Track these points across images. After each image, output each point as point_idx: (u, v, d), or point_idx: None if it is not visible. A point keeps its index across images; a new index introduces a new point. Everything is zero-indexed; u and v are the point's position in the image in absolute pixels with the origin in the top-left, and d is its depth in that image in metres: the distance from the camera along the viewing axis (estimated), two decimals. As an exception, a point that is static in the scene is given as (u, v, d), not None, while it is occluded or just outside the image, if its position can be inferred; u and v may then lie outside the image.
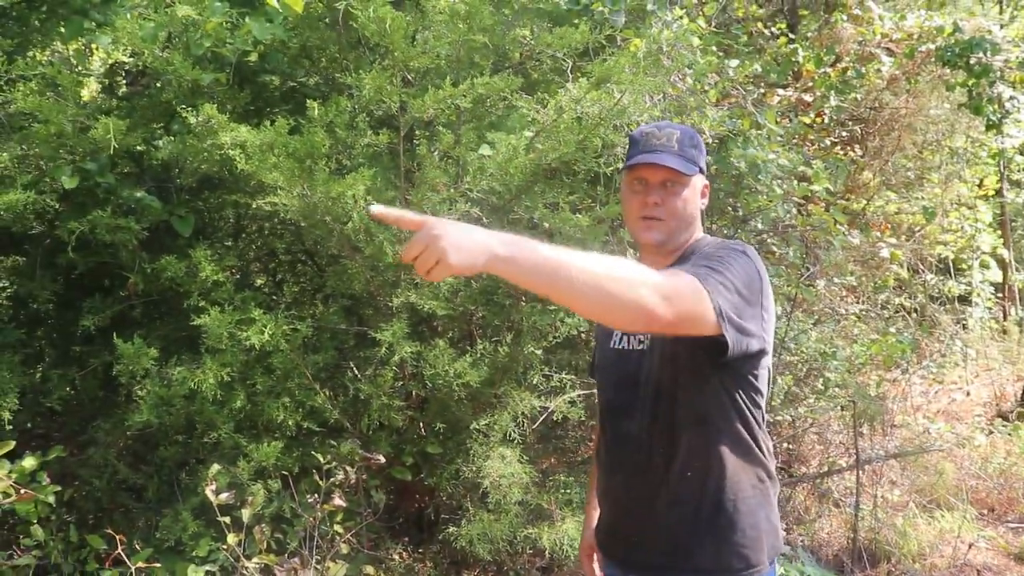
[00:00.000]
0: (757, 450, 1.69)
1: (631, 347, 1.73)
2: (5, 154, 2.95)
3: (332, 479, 2.96)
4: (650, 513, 1.68)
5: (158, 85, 3.42)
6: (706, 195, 1.78)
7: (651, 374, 1.67)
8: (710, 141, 3.55)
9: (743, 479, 1.66)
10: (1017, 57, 5.02)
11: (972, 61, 4.95)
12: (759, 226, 4.10)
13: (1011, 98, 5.08)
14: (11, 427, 2.85)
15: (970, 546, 4.08)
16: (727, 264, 1.53)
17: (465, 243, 1.22)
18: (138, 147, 3.16)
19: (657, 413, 1.65)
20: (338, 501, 2.85)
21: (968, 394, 6.70)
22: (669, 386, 1.65)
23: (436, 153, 3.19)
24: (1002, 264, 8.25)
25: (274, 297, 3.87)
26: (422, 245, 1.22)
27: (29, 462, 2.74)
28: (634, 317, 1.34)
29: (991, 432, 5.55)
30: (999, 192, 8.07)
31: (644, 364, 1.69)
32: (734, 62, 3.97)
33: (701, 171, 1.71)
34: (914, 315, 6.47)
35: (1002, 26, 5.54)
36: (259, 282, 4.06)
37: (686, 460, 1.64)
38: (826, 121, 5.41)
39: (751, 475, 1.67)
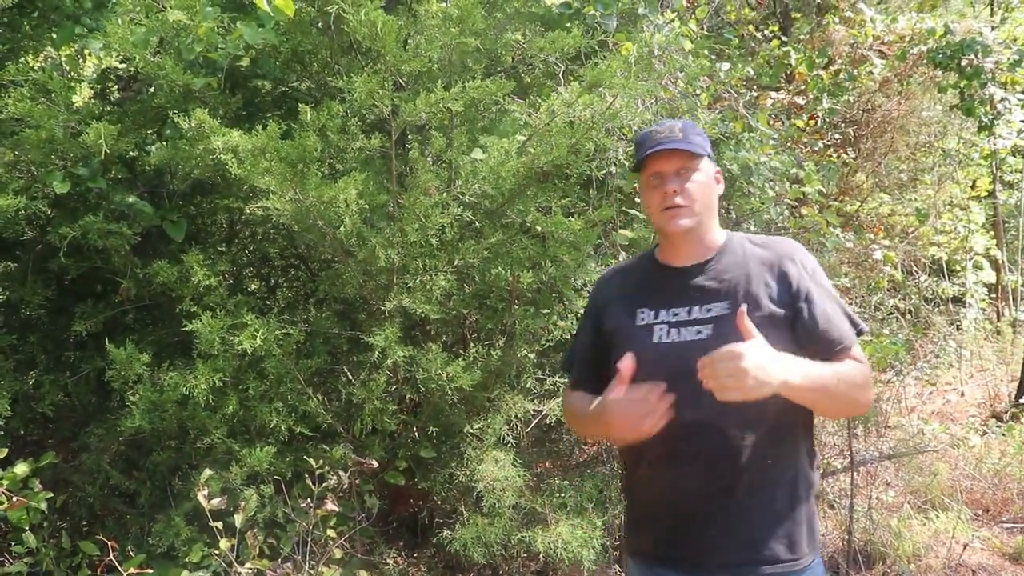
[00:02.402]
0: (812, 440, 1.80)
1: (685, 339, 1.70)
2: (-5, 160, 2.95)
3: (325, 484, 2.94)
4: (729, 502, 1.67)
5: (150, 90, 3.42)
6: (720, 181, 1.83)
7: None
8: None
9: (809, 467, 1.75)
10: (1008, 59, 5.04)
11: (963, 63, 4.97)
12: (752, 228, 4.11)
13: (1002, 99, 5.09)
14: (3, 433, 2.85)
15: (965, 547, 4.09)
16: (831, 291, 1.76)
17: (762, 375, 1.47)
18: (130, 152, 3.16)
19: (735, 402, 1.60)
20: (331, 506, 2.84)
21: (962, 395, 6.72)
22: None
23: (429, 157, 3.19)
24: (995, 265, 8.28)
25: (267, 302, 3.87)
26: (726, 368, 1.46)
27: (21, 468, 2.73)
28: (858, 413, 1.78)
29: (985, 433, 5.57)
30: (992, 193, 8.10)
31: (705, 353, 1.60)
32: (726, 65, 3.98)
33: (710, 157, 1.77)
34: (908, 316, 6.48)
35: (993, 28, 5.56)
36: (252, 287, 4.06)
37: (767, 448, 1.67)
38: (819, 123, 5.43)
39: (812, 464, 1.76)
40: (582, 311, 1.98)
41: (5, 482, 2.64)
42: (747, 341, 1.52)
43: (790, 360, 1.55)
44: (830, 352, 1.70)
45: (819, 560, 1.75)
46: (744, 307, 1.59)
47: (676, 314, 1.73)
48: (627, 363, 1.66)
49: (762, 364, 1.48)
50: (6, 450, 2.67)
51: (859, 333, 1.75)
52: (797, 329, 1.70)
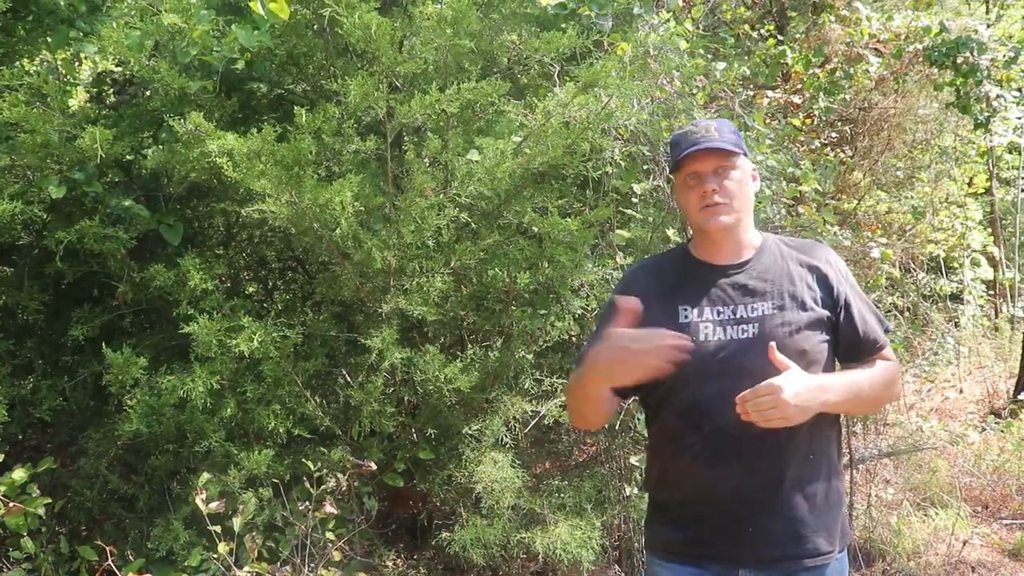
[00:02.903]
0: None
1: (732, 337, 1.70)
2: (-9, 165, 2.95)
3: (324, 486, 2.94)
4: (775, 500, 1.68)
5: (146, 94, 3.42)
6: (756, 178, 1.83)
7: (766, 363, 1.64)
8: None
9: (838, 459, 1.80)
10: (1004, 56, 5.04)
11: (959, 60, 4.98)
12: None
13: (998, 96, 5.10)
14: (0, 439, 2.84)
15: (964, 543, 4.09)
16: (861, 293, 1.82)
17: (803, 403, 1.56)
18: (127, 156, 3.15)
19: None
20: (330, 508, 2.84)
21: (961, 392, 6.73)
22: None
23: (425, 159, 3.19)
24: (993, 262, 8.28)
25: (265, 305, 3.87)
26: (767, 402, 1.53)
27: (19, 474, 2.73)
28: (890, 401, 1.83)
29: (984, 429, 5.57)
30: (989, 190, 8.11)
31: (752, 352, 1.67)
32: (721, 65, 3.98)
33: (745, 154, 1.77)
34: (906, 314, 6.49)
35: (988, 25, 5.57)
36: (250, 290, 4.05)
37: (808, 446, 1.69)
38: (816, 122, 5.44)
39: (840, 455, 1.81)
40: (599, 309, 1.94)
41: (3, 488, 2.63)
42: (782, 372, 1.58)
43: (824, 379, 1.66)
44: (868, 353, 1.78)
45: (846, 549, 1.80)
46: (774, 344, 1.62)
47: (721, 312, 1.73)
48: (632, 302, 1.64)
49: (801, 392, 1.56)
50: (2, 455, 2.66)
51: (886, 331, 1.82)
52: (839, 332, 1.76)
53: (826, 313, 1.74)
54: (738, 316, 1.72)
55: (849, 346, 1.77)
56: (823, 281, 1.77)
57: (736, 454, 1.67)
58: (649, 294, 1.77)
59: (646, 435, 1.93)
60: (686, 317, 1.74)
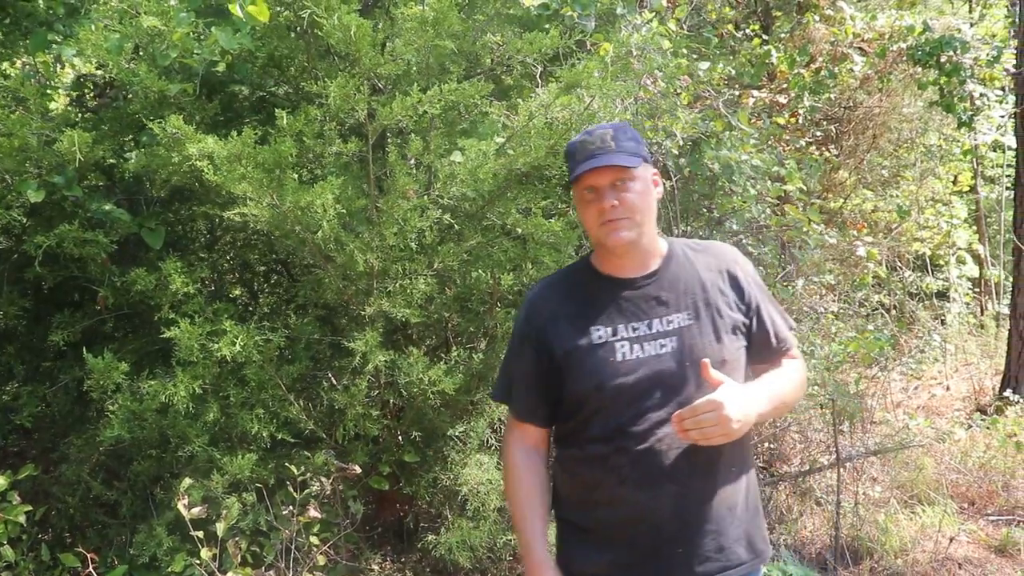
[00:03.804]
0: None
1: (650, 353, 1.66)
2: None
3: (308, 490, 2.93)
4: (705, 517, 1.67)
5: (128, 97, 3.39)
6: (658, 184, 1.76)
7: (690, 375, 1.64)
8: (681, 143, 3.56)
9: (753, 468, 1.80)
10: (987, 55, 5.08)
11: (943, 59, 5.01)
12: (734, 227, 4.12)
13: (982, 95, 5.14)
14: (-20, 446, 2.82)
15: (951, 540, 4.10)
16: (768, 294, 1.83)
17: (743, 416, 1.53)
18: (108, 160, 3.13)
19: None
20: (314, 512, 2.82)
21: (947, 389, 6.75)
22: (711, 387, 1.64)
23: (412, 160, 3.18)
24: (978, 259, 8.33)
25: (250, 308, 3.84)
26: (709, 419, 1.50)
27: (-1, 481, 2.70)
28: None
29: (970, 426, 5.59)
30: (973, 188, 8.15)
31: (674, 366, 1.65)
32: (704, 64, 3.99)
33: (646, 160, 1.70)
34: (893, 312, 6.52)
35: (971, 24, 5.61)
36: (235, 293, 4.03)
37: (730, 457, 1.68)
38: (801, 121, 5.45)
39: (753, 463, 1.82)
40: (516, 334, 1.81)
41: (-18, 495, 2.61)
42: (718, 388, 1.55)
43: (755, 390, 1.65)
44: (778, 354, 1.79)
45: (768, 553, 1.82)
46: (707, 360, 1.59)
47: (636, 328, 1.67)
48: None
49: (741, 406, 1.53)
50: (-18, 463, 2.64)
51: (791, 329, 1.84)
52: (751, 336, 1.75)
53: (741, 318, 1.73)
54: (654, 330, 1.67)
55: (760, 349, 1.77)
56: (735, 284, 1.75)
57: (667, 475, 1.63)
58: (558, 317, 1.72)
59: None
60: (600, 338, 1.67)
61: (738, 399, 1.54)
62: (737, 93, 4.99)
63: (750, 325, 1.74)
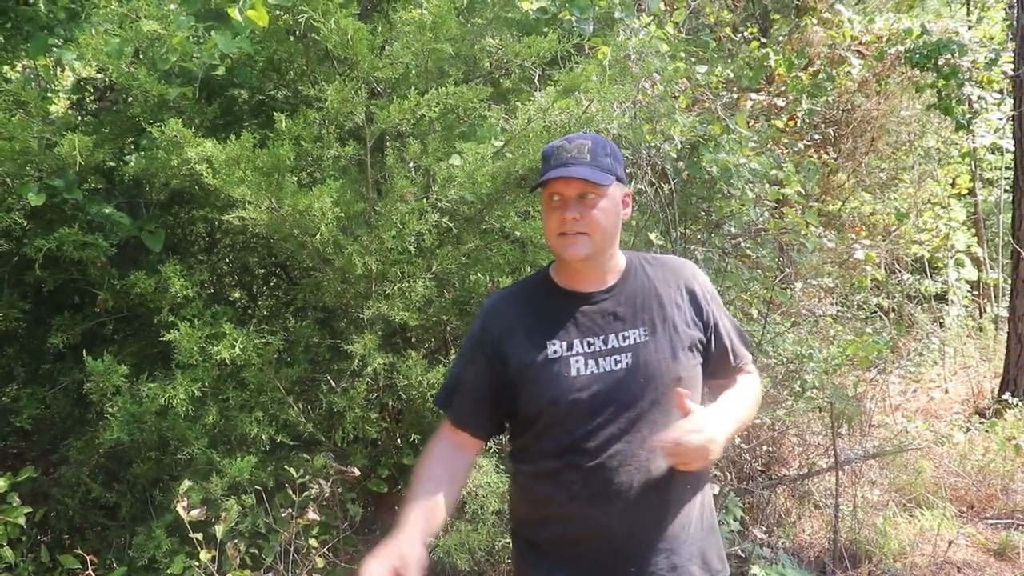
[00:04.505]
0: None
1: (605, 368, 1.64)
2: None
3: (307, 493, 2.93)
4: (657, 535, 1.64)
5: (128, 100, 3.41)
6: (628, 204, 1.74)
7: (645, 392, 1.63)
8: (680, 146, 3.57)
9: (708, 485, 1.78)
10: (985, 57, 5.09)
11: (941, 62, 5.02)
12: (732, 230, 4.13)
13: (980, 98, 5.15)
14: (-20, 448, 2.83)
15: (950, 543, 4.11)
16: (724, 308, 1.83)
17: (719, 439, 1.54)
18: (108, 163, 3.14)
19: (657, 431, 1.59)
20: (313, 515, 2.83)
21: (946, 392, 6.76)
22: (666, 404, 1.64)
23: (409, 164, 3.19)
24: (977, 262, 8.34)
25: (249, 311, 3.86)
26: (692, 445, 1.49)
27: (-1, 483, 2.71)
28: None
29: (969, 429, 5.59)
30: (972, 191, 8.16)
31: (628, 382, 1.63)
32: (702, 68, 4.00)
33: (620, 180, 1.67)
34: (891, 314, 6.53)
35: (969, 27, 5.62)
36: (234, 296, 4.05)
37: (684, 474, 1.64)
38: (799, 124, 5.47)
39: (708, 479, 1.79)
40: (469, 342, 1.78)
41: (-19, 497, 2.62)
42: (690, 415, 1.54)
43: (720, 410, 1.66)
44: (735, 371, 1.80)
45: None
46: (681, 390, 1.59)
47: (591, 344, 1.65)
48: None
49: (715, 429, 1.54)
50: (-18, 466, 2.65)
51: (746, 344, 1.84)
52: (708, 352, 1.75)
53: (699, 335, 1.72)
54: (609, 346, 1.65)
55: (717, 366, 1.77)
56: (693, 300, 1.74)
57: (619, 492, 1.61)
58: (515, 329, 1.69)
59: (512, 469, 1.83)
60: (555, 352, 1.65)
61: (716, 424, 1.55)
62: (735, 96, 5.01)
63: (707, 342, 1.74)
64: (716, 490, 3.51)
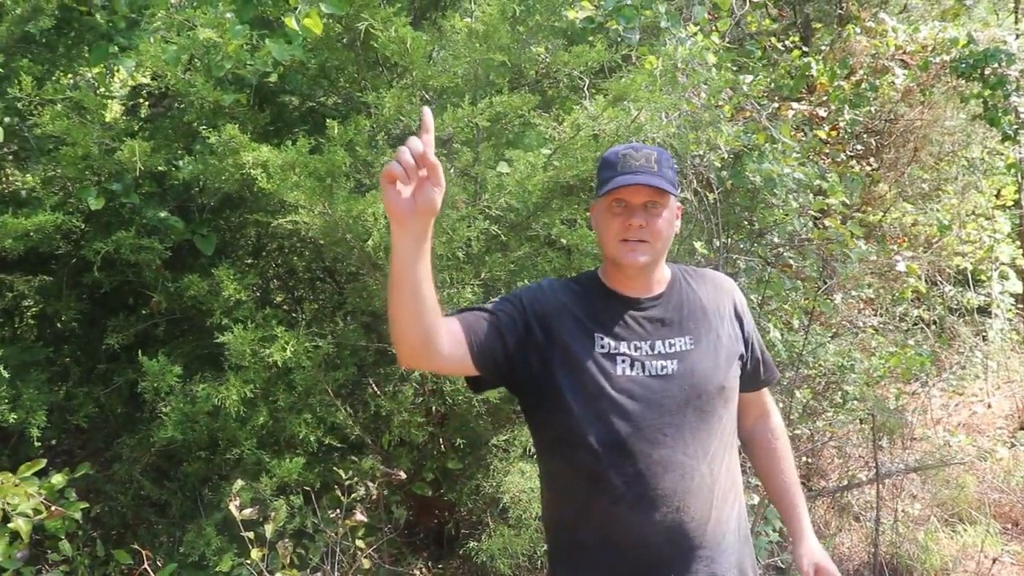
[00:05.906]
0: None
1: (650, 372, 1.66)
2: (31, 176, 3.01)
3: (353, 495, 2.98)
4: (699, 542, 1.65)
5: (181, 106, 3.48)
6: (679, 216, 1.79)
7: (689, 399, 1.65)
8: (725, 156, 3.57)
9: (744, 497, 1.82)
10: (1033, 67, 5.01)
11: (987, 72, 4.95)
12: (775, 240, 4.11)
13: (1027, 109, 5.06)
14: (39, 443, 2.90)
15: (994, 561, 4.04)
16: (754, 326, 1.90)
17: None
18: (160, 167, 3.22)
19: (699, 438, 1.64)
20: (359, 516, 2.87)
21: (989, 406, 6.64)
22: (718, 412, 1.69)
23: (454, 171, 3.22)
24: (1022, 275, 8.17)
25: (293, 315, 3.91)
26: None
27: (58, 479, 2.78)
28: None
29: (1013, 445, 5.49)
30: (1017, 203, 8.00)
31: (672, 389, 1.65)
32: (748, 77, 3.99)
33: (675, 194, 1.72)
34: (933, 327, 6.43)
35: (1017, 36, 5.52)
36: (279, 299, 4.10)
37: (724, 483, 1.68)
38: (841, 134, 5.42)
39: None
40: (516, 295, 1.74)
41: (43, 492, 2.69)
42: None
43: (808, 520, 1.92)
44: (763, 384, 1.90)
45: None
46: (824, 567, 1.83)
47: (638, 347, 1.67)
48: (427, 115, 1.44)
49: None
50: (44, 461, 2.72)
51: (766, 366, 1.92)
52: (745, 365, 1.80)
53: (739, 348, 1.77)
54: (656, 351, 1.68)
55: (749, 378, 1.82)
56: (734, 314, 1.79)
57: (663, 497, 1.62)
58: (566, 312, 1.70)
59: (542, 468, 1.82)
60: (603, 347, 1.67)
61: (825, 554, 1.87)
62: (776, 105, 4.98)
63: (745, 356, 1.80)
64: (755, 500, 3.49)
